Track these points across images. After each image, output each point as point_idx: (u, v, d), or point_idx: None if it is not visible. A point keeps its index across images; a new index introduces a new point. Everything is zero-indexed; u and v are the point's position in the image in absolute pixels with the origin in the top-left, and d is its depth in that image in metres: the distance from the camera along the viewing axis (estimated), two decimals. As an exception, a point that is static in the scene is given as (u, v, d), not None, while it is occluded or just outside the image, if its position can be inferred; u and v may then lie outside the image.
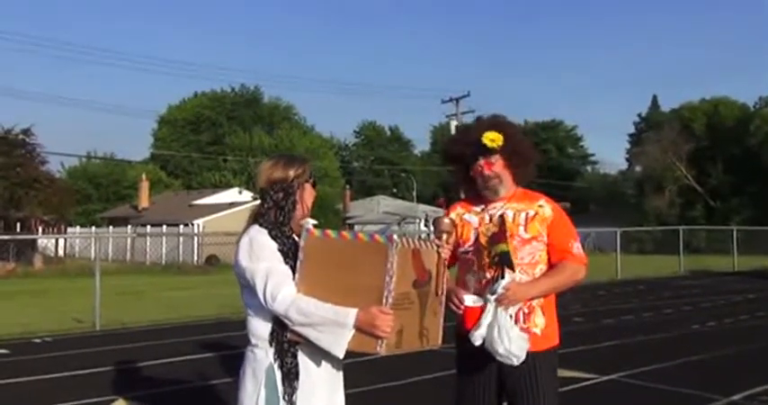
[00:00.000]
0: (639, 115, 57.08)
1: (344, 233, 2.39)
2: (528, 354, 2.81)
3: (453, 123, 35.69)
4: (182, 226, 32.88)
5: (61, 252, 30.84)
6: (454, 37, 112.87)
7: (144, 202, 40.14)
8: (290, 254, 2.43)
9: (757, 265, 22.93)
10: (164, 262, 28.73)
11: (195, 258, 29.01)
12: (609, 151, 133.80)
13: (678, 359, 7.20)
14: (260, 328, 2.42)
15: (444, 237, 2.60)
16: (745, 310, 11.31)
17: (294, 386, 2.37)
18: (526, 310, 2.88)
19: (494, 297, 2.76)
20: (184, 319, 10.88)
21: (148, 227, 34.51)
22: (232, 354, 7.70)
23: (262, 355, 2.41)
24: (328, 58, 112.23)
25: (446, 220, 2.68)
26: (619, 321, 10.30)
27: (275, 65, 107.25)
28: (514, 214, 2.94)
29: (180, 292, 16.50)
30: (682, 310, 11.56)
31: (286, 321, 2.33)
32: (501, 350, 2.72)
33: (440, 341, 2.53)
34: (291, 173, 2.52)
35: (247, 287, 2.45)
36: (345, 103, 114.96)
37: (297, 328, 2.32)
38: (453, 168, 3.16)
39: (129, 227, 36.41)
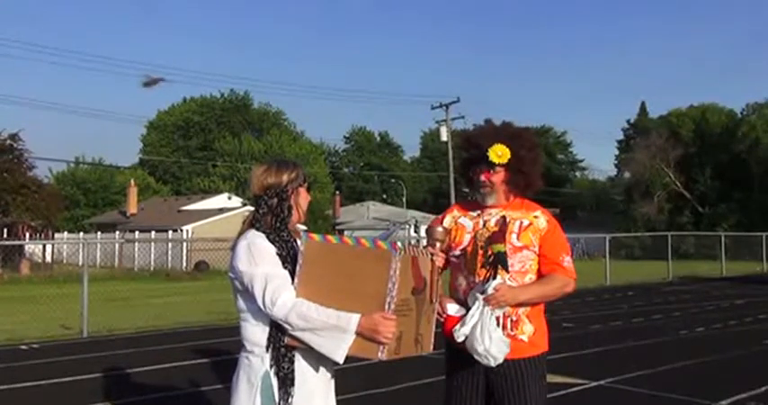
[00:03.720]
0: (628, 121, 57.32)
1: (346, 238, 2.38)
2: (515, 360, 2.83)
3: (443, 129, 35.75)
4: (170, 232, 32.76)
5: (49, 258, 30.62)
6: (444, 43, 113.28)
7: (132, 207, 39.94)
8: (288, 258, 2.41)
9: (745, 270, 23.08)
10: (152, 268, 28.59)
11: (184, 264, 28.88)
12: (598, 157, 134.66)
13: (666, 365, 7.22)
14: (256, 334, 2.39)
15: (438, 245, 2.61)
16: (733, 316, 11.36)
17: (290, 392, 2.36)
18: (514, 318, 2.88)
19: (482, 296, 2.76)
20: (173, 326, 10.81)
21: (137, 233, 34.37)
22: (222, 360, 7.67)
23: (257, 362, 2.38)
24: (318, 63, 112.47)
25: (439, 229, 2.69)
26: (608, 327, 10.32)
27: (265, 70, 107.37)
28: (509, 222, 2.93)
29: (168, 298, 16.41)
30: (671, 316, 11.60)
31: (286, 326, 2.30)
32: (480, 349, 2.72)
33: (431, 348, 2.54)
34: (285, 177, 2.49)
35: (243, 292, 2.41)
36: (335, 108, 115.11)
37: (297, 334, 2.30)
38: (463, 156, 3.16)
39: (118, 233, 36.22)
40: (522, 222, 2.93)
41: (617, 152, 57.98)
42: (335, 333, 2.25)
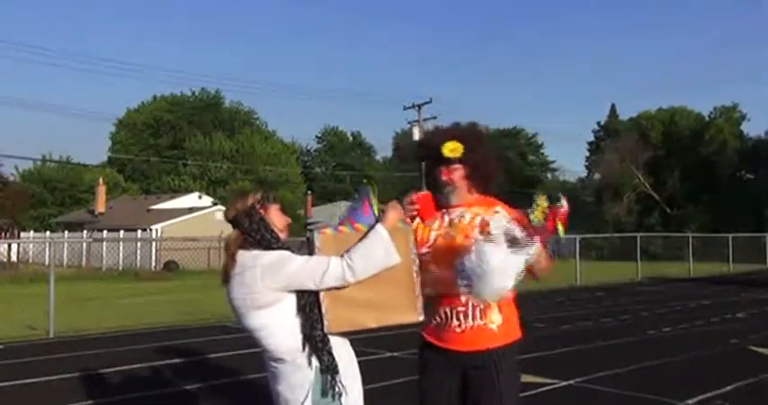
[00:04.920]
0: (598, 123, 57.81)
1: (359, 226, 2.62)
2: (488, 351, 2.87)
3: (415, 130, 35.84)
4: (139, 231, 32.39)
5: (14, 257, 30.10)
6: (417, 43, 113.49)
7: (101, 206, 39.41)
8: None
9: (712, 271, 23.42)
10: (120, 268, 28.22)
11: (153, 264, 28.58)
12: (568, 159, 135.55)
13: (635, 364, 7.28)
14: (288, 342, 2.54)
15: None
16: (700, 316, 11.50)
17: (338, 379, 2.56)
18: (482, 307, 2.89)
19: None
20: (142, 326, 10.68)
21: (105, 232, 33.91)
22: (190, 361, 7.60)
23: (300, 364, 2.54)
24: (290, 63, 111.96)
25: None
26: (577, 327, 10.39)
27: (236, 69, 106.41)
28: (472, 217, 2.96)
29: (137, 298, 16.23)
30: (639, 316, 11.72)
31: (350, 279, 2.52)
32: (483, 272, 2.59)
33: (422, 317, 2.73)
34: (250, 199, 2.70)
35: (264, 306, 2.53)
36: (307, 108, 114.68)
37: (362, 275, 2.53)
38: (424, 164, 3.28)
39: (85, 232, 35.75)
40: (483, 218, 2.95)
41: (587, 154, 58.52)
42: (382, 244, 2.55)
